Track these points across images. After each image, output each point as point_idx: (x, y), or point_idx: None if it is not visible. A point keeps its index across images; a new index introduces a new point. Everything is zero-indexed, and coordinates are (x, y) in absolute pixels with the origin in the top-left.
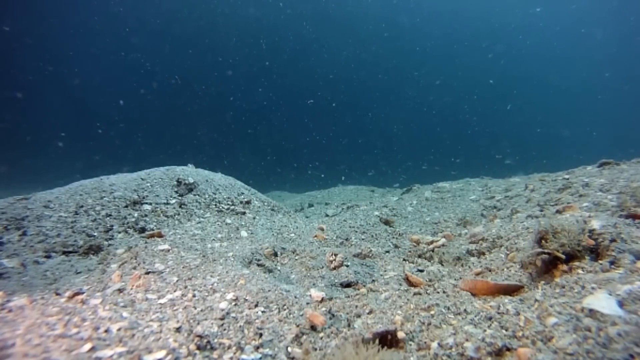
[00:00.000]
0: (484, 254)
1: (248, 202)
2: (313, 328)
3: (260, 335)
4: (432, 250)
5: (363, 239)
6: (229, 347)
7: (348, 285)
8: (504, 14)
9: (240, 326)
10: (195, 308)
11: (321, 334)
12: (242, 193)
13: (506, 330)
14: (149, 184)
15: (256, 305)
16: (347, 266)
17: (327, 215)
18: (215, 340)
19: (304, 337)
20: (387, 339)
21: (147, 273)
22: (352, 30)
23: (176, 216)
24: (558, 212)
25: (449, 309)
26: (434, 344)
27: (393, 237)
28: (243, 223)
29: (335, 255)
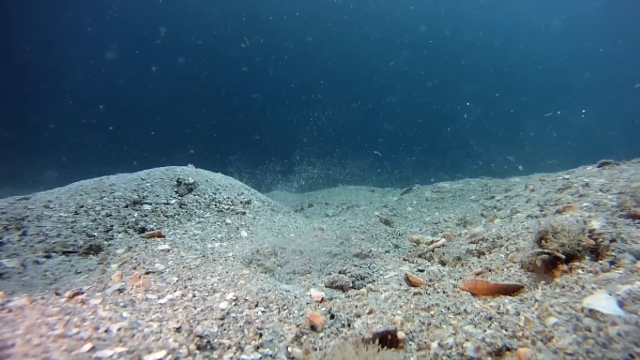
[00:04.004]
0: (484, 254)
1: (248, 202)
2: (313, 328)
3: (260, 335)
4: (432, 250)
5: (363, 239)
6: (229, 347)
7: (361, 278)
8: (515, 13)
9: (240, 326)
10: (195, 308)
11: (321, 334)
12: (242, 193)
13: (506, 330)
14: (149, 184)
15: (256, 305)
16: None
17: (327, 215)
18: (215, 340)
19: (304, 337)
20: (387, 339)
21: (147, 273)
22: (353, 30)
23: (176, 216)
24: (558, 212)
25: (449, 309)
26: (434, 344)
27: (393, 237)
28: (243, 223)
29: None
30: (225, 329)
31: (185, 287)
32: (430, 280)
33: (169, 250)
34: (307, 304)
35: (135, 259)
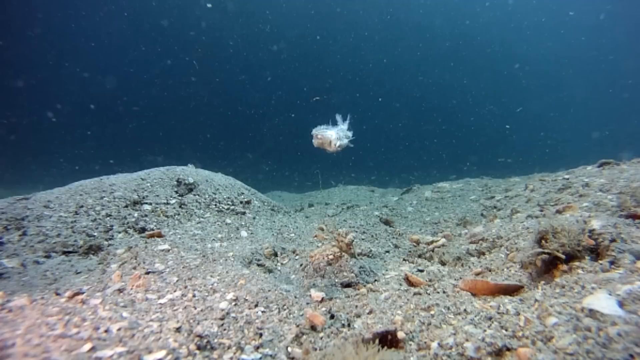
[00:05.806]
0: (484, 254)
1: (248, 202)
2: (313, 328)
3: (260, 335)
4: (432, 250)
5: (363, 239)
6: (229, 347)
7: (348, 285)
8: (512, 14)
9: (240, 326)
10: (195, 308)
11: (321, 334)
12: (242, 193)
13: (506, 330)
14: (149, 184)
15: (256, 305)
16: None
17: (327, 215)
18: (215, 340)
19: (304, 337)
20: (387, 339)
21: (147, 273)
22: (353, 29)
23: (176, 216)
24: (558, 212)
25: (449, 309)
26: (434, 344)
27: (393, 237)
28: (243, 223)
29: (346, 234)
30: (225, 329)
31: (185, 287)
32: (430, 280)
33: (169, 250)
34: (307, 304)
35: (135, 259)
